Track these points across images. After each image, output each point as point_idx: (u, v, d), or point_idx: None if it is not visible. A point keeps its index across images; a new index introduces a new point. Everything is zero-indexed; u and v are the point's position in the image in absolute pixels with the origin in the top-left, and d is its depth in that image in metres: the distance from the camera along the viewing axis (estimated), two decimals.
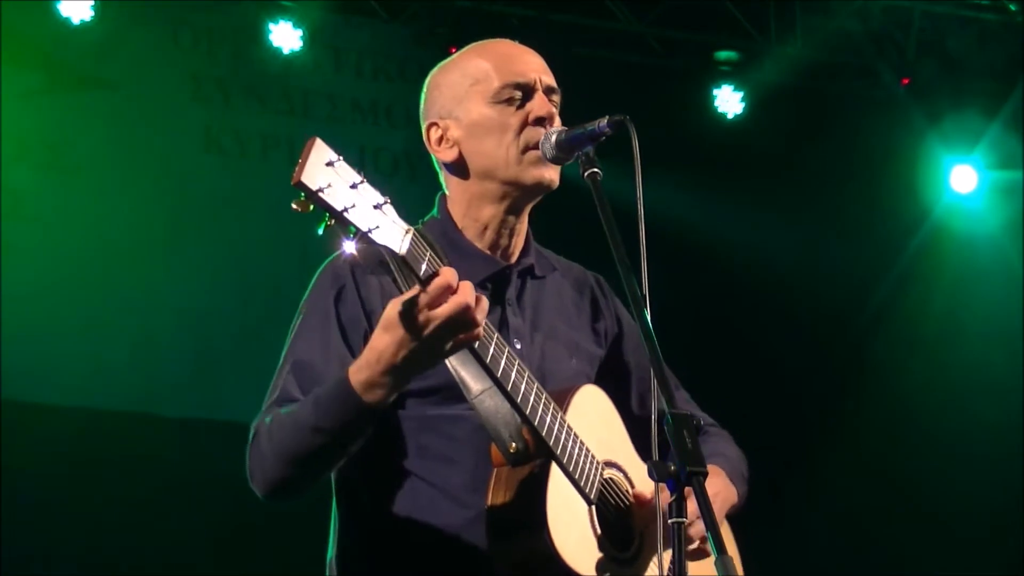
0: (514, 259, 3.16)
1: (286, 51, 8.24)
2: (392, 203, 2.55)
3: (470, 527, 2.92)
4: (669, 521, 2.49)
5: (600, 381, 3.20)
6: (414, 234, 2.59)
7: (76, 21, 7.78)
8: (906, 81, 9.23)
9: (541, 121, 3.08)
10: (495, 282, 3.12)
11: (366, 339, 2.83)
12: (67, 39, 7.86)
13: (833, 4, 8.91)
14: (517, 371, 2.84)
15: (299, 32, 8.21)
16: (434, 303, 2.62)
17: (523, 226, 3.18)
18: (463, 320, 2.64)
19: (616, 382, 3.24)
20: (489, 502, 2.90)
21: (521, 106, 3.09)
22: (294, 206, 2.43)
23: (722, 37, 9.05)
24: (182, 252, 8.05)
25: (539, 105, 3.09)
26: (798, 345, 8.97)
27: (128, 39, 8.10)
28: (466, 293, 2.63)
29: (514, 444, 2.89)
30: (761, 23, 8.92)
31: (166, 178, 8.10)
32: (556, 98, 3.15)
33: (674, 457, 2.48)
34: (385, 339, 2.68)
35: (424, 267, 2.61)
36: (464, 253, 2.94)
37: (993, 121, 9.12)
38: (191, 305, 7.98)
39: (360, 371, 2.72)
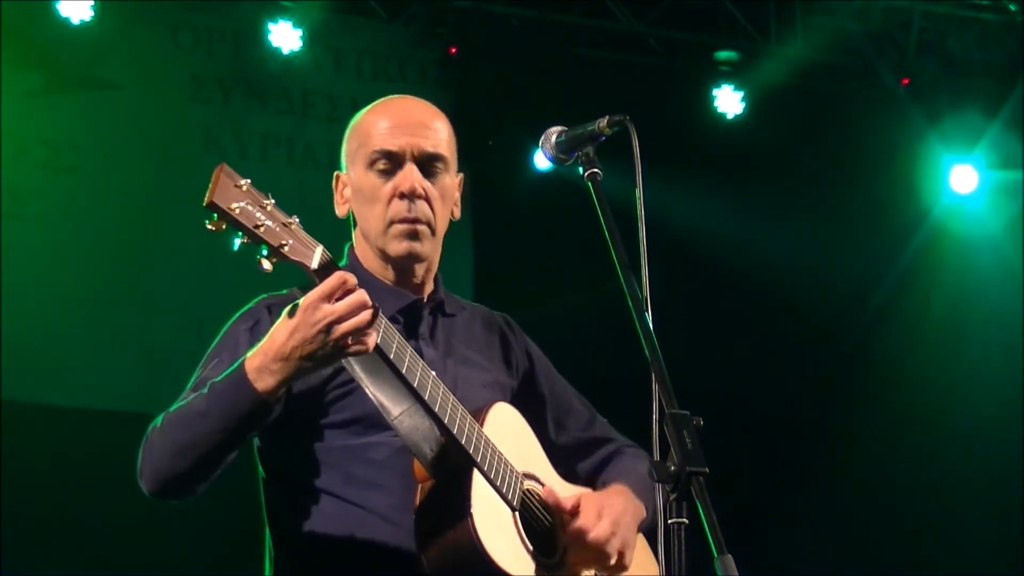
0: (425, 295, 3.20)
1: (286, 51, 8.22)
2: (300, 223, 2.69)
3: (401, 542, 2.96)
4: (669, 521, 2.47)
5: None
6: (324, 249, 2.71)
7: (76, 21, 7.77)
8: (906, 81, 9.21)
9: (405, 196, 3.09)
10: (407, 315, 3.15)
11: None
12: (67, 39, 7.86)
13: (833, 4, 8.90)
14: (433, 383, 2.90)
15: (299, 32, 8.20)
16: (329, 297, 2.69)
17: (424, 270, 3.19)
18: (357, 318, 2.70)
19: (531, 412, 3.26)
20: (416, 514, 2.95)
21: (391, 177, 3.10)
22: (209, 226, 2.62)
23: (722, 37, 9.04)
24: (182, 252, 8.04)
25: (403, 179, 3.09)
26: (798, 345, 8.95)
27: (128, 39, 8.10)
28: (363, 294, 2.71)
29: (435, 456, 2.95)
30: (761, 23, 8.91)
31: (166, 178, 8.09)
32: (438, 165, 3.14)
33: (673, 457, 2.48)
34: (281, 328, 2.76)
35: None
36: (374, 289, 2.93)
37: (993, 121, 9.09)
38: (191, 305, 7.96)
39: (254, 357, 2.79)
